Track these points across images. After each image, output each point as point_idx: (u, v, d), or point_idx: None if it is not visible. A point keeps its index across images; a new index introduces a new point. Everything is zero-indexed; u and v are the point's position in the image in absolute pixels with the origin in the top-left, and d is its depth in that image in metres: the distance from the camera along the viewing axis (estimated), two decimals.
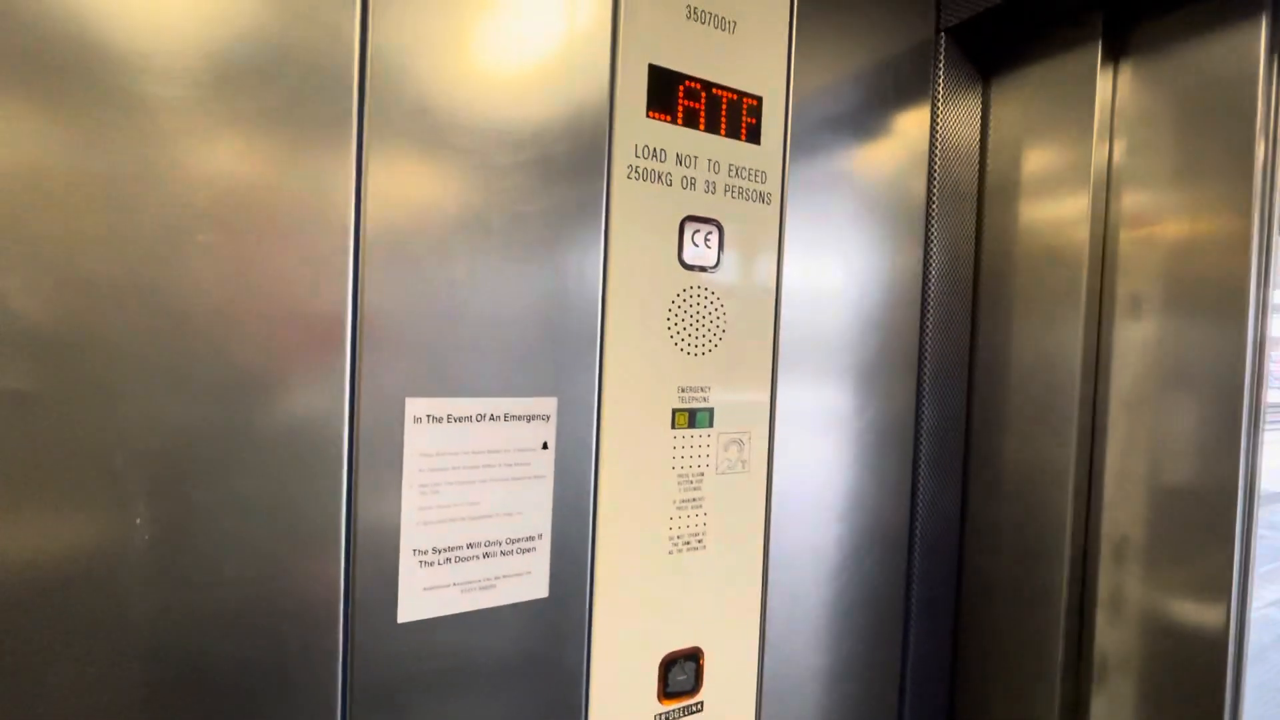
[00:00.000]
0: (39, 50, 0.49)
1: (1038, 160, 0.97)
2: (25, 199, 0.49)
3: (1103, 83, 0.90)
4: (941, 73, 0.98)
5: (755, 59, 0.82)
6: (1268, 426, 0.79)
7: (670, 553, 0.79)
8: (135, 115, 0.52)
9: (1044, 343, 0.94)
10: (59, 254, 0.50)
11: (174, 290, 0.54)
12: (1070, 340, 0.91)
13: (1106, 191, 0.90)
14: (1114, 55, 0.91)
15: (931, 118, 0.99)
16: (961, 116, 1.02)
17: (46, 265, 0.50)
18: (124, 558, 0.53)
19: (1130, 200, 0.88)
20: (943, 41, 0.98)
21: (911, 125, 0.98)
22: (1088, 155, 0.89)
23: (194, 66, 0.54)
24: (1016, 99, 0.99)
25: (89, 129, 0.51)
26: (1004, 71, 1.01)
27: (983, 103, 1.04)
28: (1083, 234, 0.90)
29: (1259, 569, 0.85)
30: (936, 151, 0.99)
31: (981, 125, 1.04)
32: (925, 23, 0.97)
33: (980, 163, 1.04)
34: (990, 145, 1.03)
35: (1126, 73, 0.90)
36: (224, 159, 0.55)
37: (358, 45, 0.60)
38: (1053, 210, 0.94)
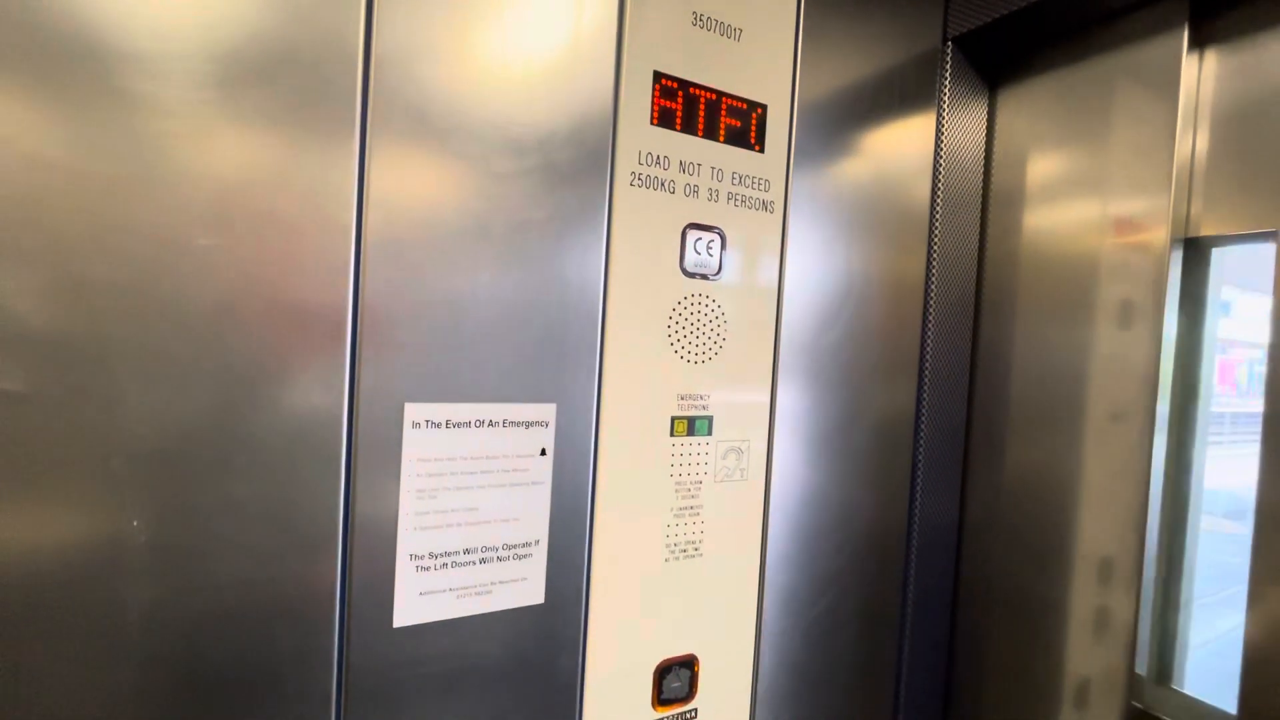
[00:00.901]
0: (41, 51, 0.49)
1: (1074, 165, 0.93)
2: (26, 199, 0.49)
3: (1188, 71, 0.80)
4: (948, 81, 0.98)
5: (761, 67, 0.82)
6: None
7: (667, 560, 0.79)
8: (137, 116, 0.52)
9: (1063, 350, 0.93)
10: (58, 254, 0.50)
11: (174, 291, 0.54)
12: (1084, 347, 0.90)
13: (1189, 192, 0.82)
14: (1200, 43, 0.82)
15: (937, 126, 0.98)
16: (967, 125, 1.01)
17: (46, 265, 0.50)
18: (121, 558, 0.53)
19: (1215, 200, 0.80)
20: (949, 50, 0.97)
21: (916, 133, 0.97)
22: (1168, 152, 0.81)
23: (197, 68, 0.54)
24: (1039, 102, 0.97)
25: (90, 129, 0.51)
26: (1018, 77, 1.00)
27: (989, 111, 1.03)
28: (1156, 238, 0.83)
29: None
30: (941, 160, 0.98)
31: (987, 133, 1.03)
32: (932, 32, 0.97)
33: (985, 170, 1.03)
34: (996, 153, 1.03)
35: (1213, 61, 0.80)
36: (225, 161, 0.55)
37: (362, 49, 0.60)
38: (1086, 215, 0.91)
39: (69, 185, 0.50)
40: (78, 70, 0.50)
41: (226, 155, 0.55)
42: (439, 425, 0.65)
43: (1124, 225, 0.87)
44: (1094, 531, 0.89)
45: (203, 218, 0.55)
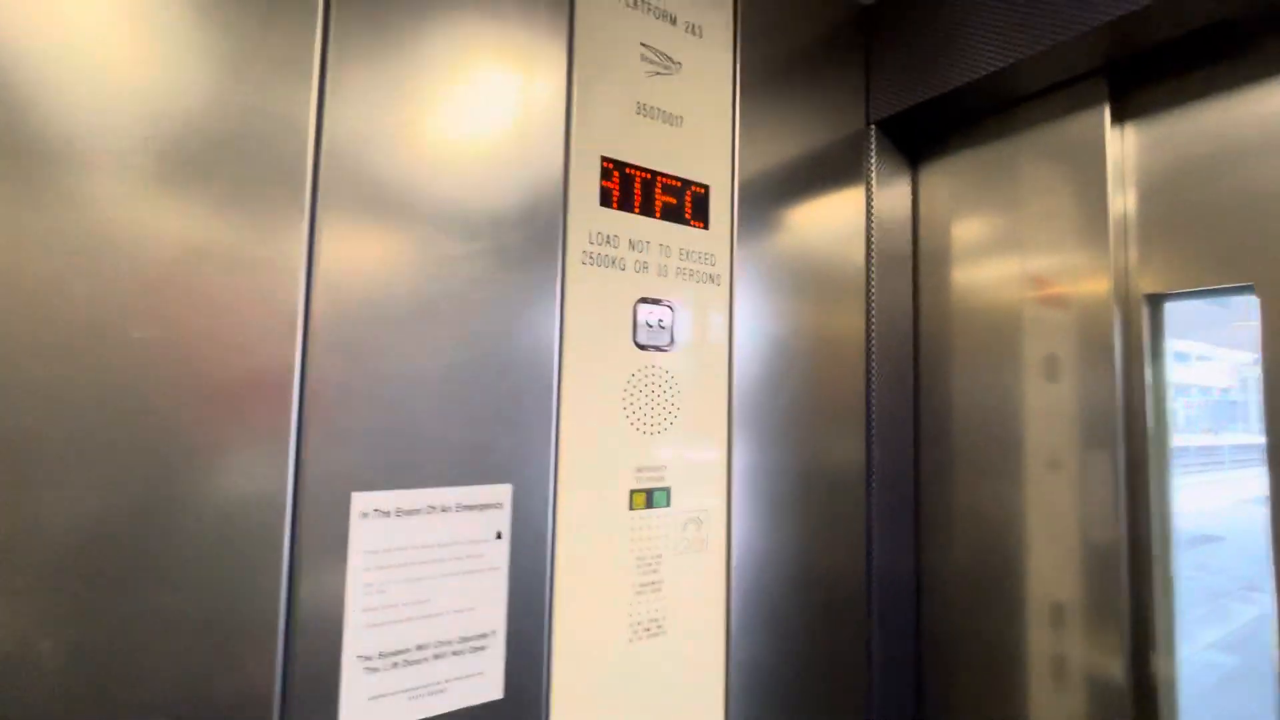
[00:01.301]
0: None
1: (999, 232, 1.00)
2: None
3: (1115, 141, 0.90)
4: (873, 160, 1.06)
5: (702, 150, 0.86)
6: (1193, 470, 0.80)
7: (630, 641, 0.77)
8: (77, 209, 0.51)
9: (991, 395, 0.98)
10: None
11: (107, 381, 0.51)
12: (1015, 392, 0.95)
13: (1125, 247, 0.90)
14: (1122, 114, 0.92)
15: (866, 199, 1.05)
16: (893, 199, 1.09)
17: None
18: (32, 670, 0.48)
19: (1143, 253, 0.88)
20: (873, 132, 1.05)
21: (849, 206, 1.04)
22: (1102, 219, 0.89)
23: (143, 163, 0.53)
24: (964, 175, 1.05)
25: (29, 224, 0.49)
26: (941, 153, 1.08)
27: (913, 185, 1.12)
28: (1096, 288, 0.89)
29: (1194, 611, 0.86)
30: (873, 228, 1.05)
31: (913, 205, 1.11)
32: (857, 116, 1.05)
33: (914, 239, 1.11)
34: (923, 222, 1.10)
35: (1137, 130, 0.90)
36: (170, 247, 0.54)
37: (312, 138, 0.61)
38: (1014, 275, 0.97)
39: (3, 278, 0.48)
40: (13, 165, 0.49)
41: (173, 241, 0.54)
42: (388, 514, 0.63)
43: (1046, 281, 0.94)
44: (1050, 578, 0.91)
45: (143, 304, 0.53)
